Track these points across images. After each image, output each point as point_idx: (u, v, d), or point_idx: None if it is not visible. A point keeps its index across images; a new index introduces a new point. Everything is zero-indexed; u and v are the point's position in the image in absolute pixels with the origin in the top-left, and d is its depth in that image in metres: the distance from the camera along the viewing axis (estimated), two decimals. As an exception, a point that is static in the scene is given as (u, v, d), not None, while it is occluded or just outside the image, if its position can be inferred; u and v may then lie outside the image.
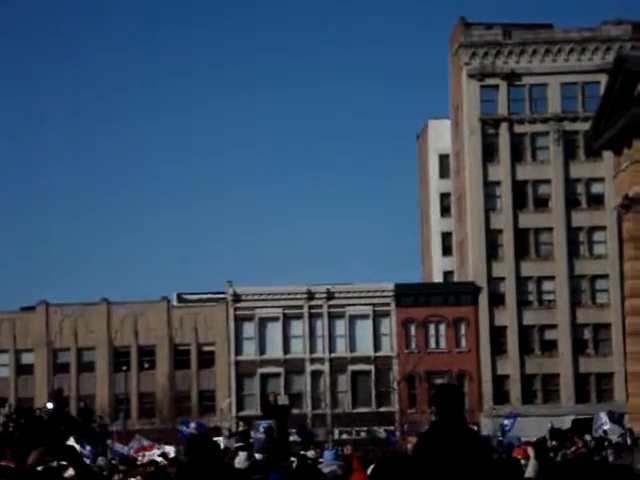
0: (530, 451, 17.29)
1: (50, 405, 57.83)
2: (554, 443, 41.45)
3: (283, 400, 36.61)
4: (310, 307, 75.28)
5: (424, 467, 8.18)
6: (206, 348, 75.85)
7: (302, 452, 28.62)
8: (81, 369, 76.01)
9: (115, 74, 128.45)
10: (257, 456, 24.50)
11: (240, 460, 19.45)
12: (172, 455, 29.89)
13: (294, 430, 38.82)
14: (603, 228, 75.37)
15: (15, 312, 77.25)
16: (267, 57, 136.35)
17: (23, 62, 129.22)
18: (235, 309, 75.45)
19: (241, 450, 21.85)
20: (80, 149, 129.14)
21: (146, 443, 52.88)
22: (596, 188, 76.02)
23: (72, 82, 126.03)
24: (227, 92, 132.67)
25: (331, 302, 75.41)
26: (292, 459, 21.69)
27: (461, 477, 8.05)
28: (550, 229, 75.63)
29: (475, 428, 53.65)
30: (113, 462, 27.93)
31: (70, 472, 12.87)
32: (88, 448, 32.41)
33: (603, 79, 67.00)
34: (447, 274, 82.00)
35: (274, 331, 75.37)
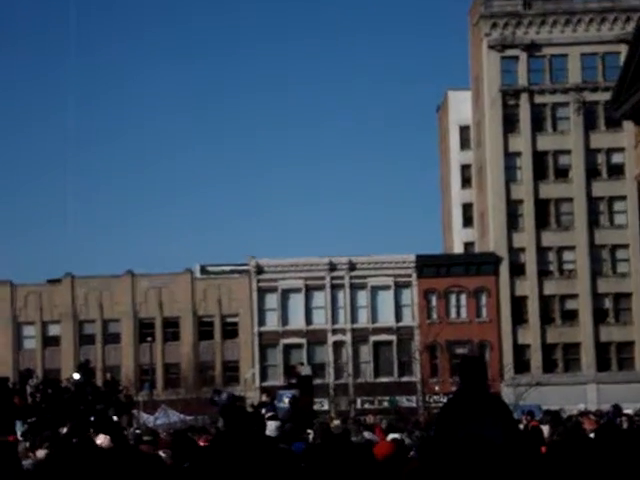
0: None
1: (77, 376, 58.40)
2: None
3: (306, 370, 36.90)
4: (332, 278, 75.67)
5: (447, 434, 8.44)
6: (229, 319, 76.40)
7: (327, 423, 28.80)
8: (106, 340, 76.68)
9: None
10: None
11: (269, 430, 19.75)
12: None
13: (317, 400, 39.16)
14: (623, 198, 75.06)
15: (41, 285, 78.07)
16: (284, 28, 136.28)
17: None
18: (258, 281, 75.93)
19: (270, 420, 22.36)
20: (103, 124, 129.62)
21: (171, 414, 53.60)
22: (616, 158, 75.84)
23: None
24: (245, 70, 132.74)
25: (353, 273, 75.79)
26: (308, 431, 21.86)
27: (485, 444, 8.15)
28: (570, 199, 75.66)
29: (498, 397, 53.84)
30: (137, 432, 28.36)
31: (101, 440, 13.13)
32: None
33: (623, 49, 66.73)
34: (468, 245, 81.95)
35: (296, 302, 75.86)
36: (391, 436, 19.78)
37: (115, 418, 32.52)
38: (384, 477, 8.84)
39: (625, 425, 34.33)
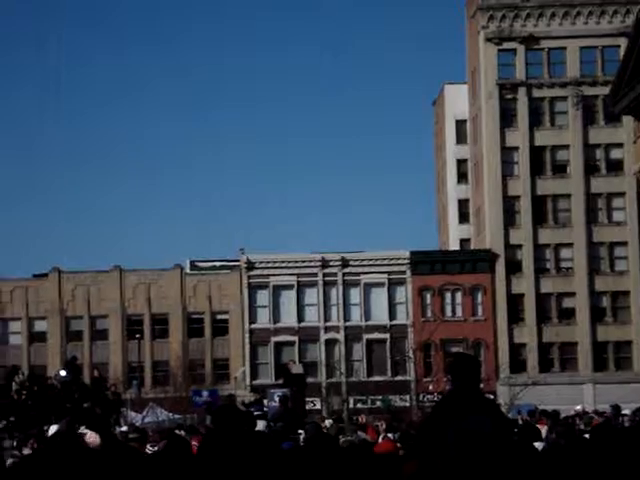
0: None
1: (63, 372, 57.44)
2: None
3: (297, 368, 36.09)
4: (324, 275, 75.00)
5: (438, 433, 8.32)
6: (220, 316, 75.69)
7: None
8: (94, 337, 75.91)
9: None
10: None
11: (257, 429, 18.99)
12: None
13: (310, 399, 38.56)
14: (622, 194, 74.44)
15: (28, 279, 77.15)
16: (278, 16, 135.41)
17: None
18: (249, 277, 75.24)
19: (258, 419, 21.79)
20: (89, 119, 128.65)
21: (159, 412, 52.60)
22: (615, 154, 75.24)
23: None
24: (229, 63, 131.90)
25: (346, 270, 75.08)
26: (299, 431, 21.35)
27: (476, 442, 8.17)
28: (568, 195, 74.98)
29: (491, 397, 53.19)
30: (123, 430, 27.46)
31: (91, 438, 12.58)
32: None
33: (623, 43, 66.10)
34: (464, 241, 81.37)
35: (288, 299, 75.10)
36: (383, 435, 20.35)
37: (98, 411, 31.45)
38: (383, 475, 8.89)
39: (627, 424, 33.27)
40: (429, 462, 8.41)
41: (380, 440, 19.77)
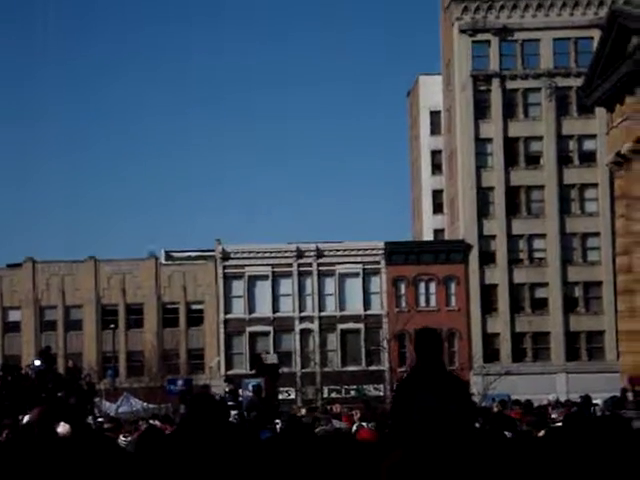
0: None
1: (38, 362, 57.37)
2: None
3: (272, 359, 36.24)
4: (299, 265, 75.00)
5: (403, 411, 8.35)
6: (195, 306, 75.68)
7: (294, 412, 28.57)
8: (68, 327, 75.71)
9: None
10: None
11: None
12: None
13: (284, 389, 38.67)
14: (595, 185, 74.87)
15: (1, 269, 76.93)
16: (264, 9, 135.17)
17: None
18: (224, 267, 75.18)
19: (231, 409, 21.91)
20: (73, 108, 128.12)
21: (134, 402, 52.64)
22: (588, 145, 75.50)
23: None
24: (224, 56, 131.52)
25: (320, 260, 75.14)
26: (277, 421, 21.54)
27: (439, 419, 8.22)
28: (541, 186, 75.22)
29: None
30: (99, 420, 27.52)
31: (62, 428, 12.62)
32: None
33: (596, 34, 66.35)
34: (438, 232, 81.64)
35: (263, 289, 75.10)
36: (357, 424, 20.44)
37: (72, 401, 31.50)
38: (365, 463, 8.85)
39: (599, 414, 33.62)
40: (398, 440, 8.41)
41: (354, 429, 19.96)
